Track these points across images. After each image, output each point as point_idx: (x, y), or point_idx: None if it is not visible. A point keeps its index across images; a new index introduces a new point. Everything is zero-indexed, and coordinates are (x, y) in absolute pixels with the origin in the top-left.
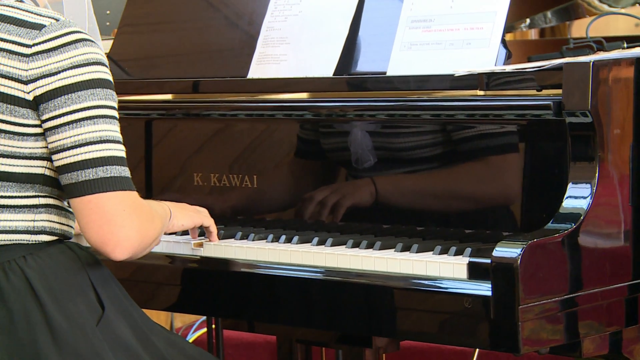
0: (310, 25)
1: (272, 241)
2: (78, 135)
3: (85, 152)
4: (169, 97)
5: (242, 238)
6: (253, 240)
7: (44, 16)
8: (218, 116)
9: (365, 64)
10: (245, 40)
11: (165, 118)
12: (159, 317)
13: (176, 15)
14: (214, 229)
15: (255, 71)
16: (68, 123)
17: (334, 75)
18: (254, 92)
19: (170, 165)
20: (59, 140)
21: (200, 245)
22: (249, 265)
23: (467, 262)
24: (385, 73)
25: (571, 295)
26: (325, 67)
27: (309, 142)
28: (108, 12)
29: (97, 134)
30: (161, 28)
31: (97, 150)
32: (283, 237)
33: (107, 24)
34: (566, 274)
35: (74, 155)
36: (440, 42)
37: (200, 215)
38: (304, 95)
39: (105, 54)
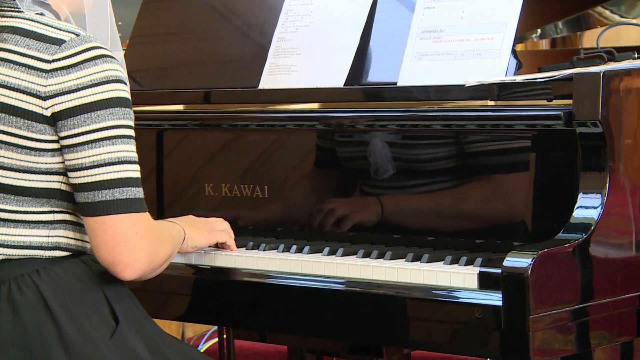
0: (321, 35)
1: (283, 251)
2: (96, 155)
3: (103, 173)
4: (180, 107)
5: (253, 248)
6: (264, 250)
7: (64, 31)
8: (229, 126)
9: (376, 75)
10: (257, 50)
11: (176, 128)
12: (171, 327)
13: (187, 26)
14: (230, 242)
15: (267, 82)
16: (87, 142)
17: (344, 85)
18: (265, 103)
19: (182, 175)
20: (77, 159)
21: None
22: (260, 275)
23: (478, 272)
24: (396, 83)
25: (582, 305)
26: (336, 77)
27: (319, 153)
28: (120, 23)
29: (115, 154)
30: (172, 39)
31: (114, 172)
32: (294, 247)
33: (119, 35)
34: (577, 283)
35: (92, 175)
36: (451, 52)
37: (213, 234)
38: (314, 106)
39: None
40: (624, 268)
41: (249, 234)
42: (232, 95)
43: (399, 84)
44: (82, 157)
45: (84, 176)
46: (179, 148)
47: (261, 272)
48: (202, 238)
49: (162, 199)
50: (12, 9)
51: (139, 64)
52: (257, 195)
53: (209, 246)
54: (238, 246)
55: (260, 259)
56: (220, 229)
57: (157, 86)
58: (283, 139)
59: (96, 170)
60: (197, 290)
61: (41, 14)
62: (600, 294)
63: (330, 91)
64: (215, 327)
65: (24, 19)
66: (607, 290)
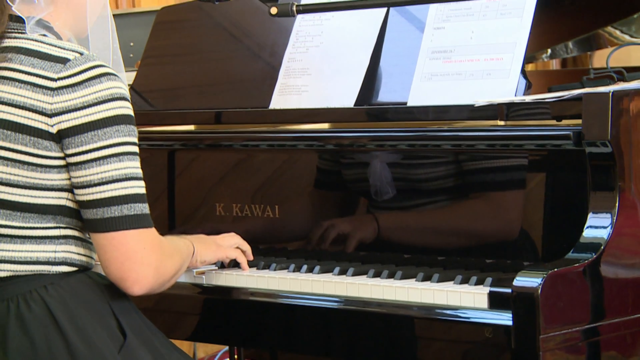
0: (331, 56)
1: (293, 271)
2: (104, 172)
3: (111, 190)
4: (191, 127)
5: (264, 268)
6: (275, 269)
7: (67, 50)
8: (240, 146)
9: (386, 95)
10: (267, 71)
11: (188, 148)
12: (182, 347)
13: (198, 46)
14: (242, 259)
15: (277, 102)
16: (94, 160)
17: (355, 105)
18: (276, 123)
19: (193, 195)
20: (85, 176)
21: (202, 273)
22: (271, 295)
23: (488, 291)
24: (406, 103)
25: (593, 325)
26: (346, 97)
27: (330, 173)
28: (132, 44)
29: (122, 171)
30: (183, 59)
31: (122, 188)
32: (305, 267)
33: (131, 55)
34: (587, 303)
35: (100, 192)
36: (461, 72)
37: (223, 250)
38: (325, 126)
39: (129, 85)
40: (635, 288)
41: (259, 253)
42: (243, 115)
43: (408, 104)
44: (90, 175)
45: (92, 193)
46: (190, 168)
47: (272, 292)
48: (211, 253)
49: (174, 219)
50: (16, 31)
51: (151, 84)
52: (267, 215)
53: (219, 262)
54: (249, 266)
55: (271, 279)
56: (230, 244)
57: (169, 106)
58: (294, 158)
59: (104, 187)
60: (208, 310)
61: (44, 35)
62: (611, 314)
63: (340, 111)
64: (227, 348)
65: (28, 39)
66: (618, 310)
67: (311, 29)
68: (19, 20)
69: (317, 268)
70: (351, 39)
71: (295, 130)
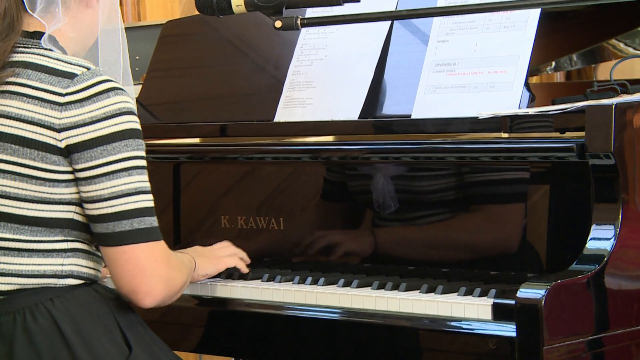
0: (335, 69)
1: (298, 283)
2: (114, 187)
3: (122, 204)
4: (196, 140)
5: (269, 280)
6: (280, 281)
7: (74, 65)
8: (245, 159)
9: (390, 107)
10: (272, 84)
11: (193, 161)
12: (188, 358)
13: (204, 60)
14: (240, 265)
15: (282, 114)
16: (104, 174)
17: (359, 118)
18: (281, 136)
19: (198, 208)
20: (95, 190)
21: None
22: (276, 307)
23: (492, 303)
24: (410, 116)
25: (597, 336)
26: (350, 110)
27: (335, 185)
28: (137, 57)
29: (132, 185)
30: (189, 73)
31: (132, 202)
32: (309, 279)
33: (137, 69)
34: (591, 314)
35: (111, 206)
36: (464, 85)
37: (222, 261)
38: (329, 138)
39: (135, 98)
40: (638, 299)
41: (264, 265)
42: (248, 128)
43: (413, 117)
44: (101, 189)
45: (102, 207)
46: (195, 181)
47: (277, 304)
48: (212, 266)
49: (179, 232)
50: (23, 45)
51: (156, 97)
52: (272, 227)
53: (219, 273)
54: (254, 278)
55: (276, 291)
56: (227, 254)
57: (174, 119)
58: (298, 171)
59: (115, 202)
60: (213, 323)
61: (50, 50)
62: (615, 325)
63: (345, 124)
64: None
65: (34, 54)
66: (622, 321)
67: (315, 42)
68: (28, 35)
69: (321, 280)
70: (355, 52)
71: (300, 143)
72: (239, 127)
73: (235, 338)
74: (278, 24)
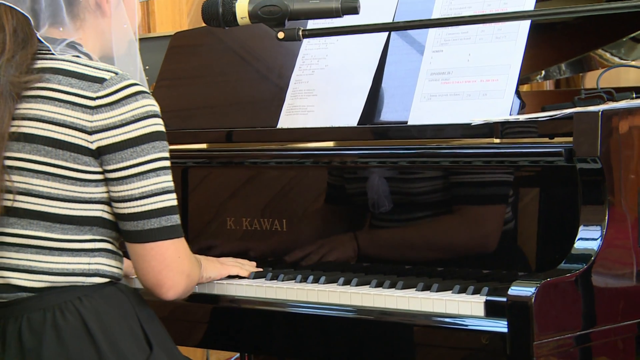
0: (335, 78)
1: (300, 281)
2: (144, 187)
3: (151, 203)
4: (203, 146)
5: (272, 278)
6: (282, 280)
7: (102, 70)
8: (250, 164)
9: (387, 114)
10: (275, 92)
11: (200, 166)
12: (195, 353)
13: (210, 69)
14: (242, 273)
15: (285, 121)
16: (134, 175)
17: (358, 124)
18: (284, 141)
19: (205, 210)
20: (126, 190)
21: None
22: (278, 304)
23: (485, 300)
24: (406, 122)
25: (584, 332)
26: (350, 117)
27: (335, 188)
28: (147, 67)
29: (160, 185)
30: (196, 82)
31: (160, 201)
32: (311, 277)
33: (147, 78)
34: (579, 311)
35: (141, 205)
36: (458, 93)
37: (225, 267)
38: (330, 144)
39: None
40: (623, 296)
41: (268, 265)
42: (252, 134)
43: (409, 123)
44: (131, 189)
45: (133, 207)
46: (202, 184)
47: (280, 301)
48: (216, 270)
49: (187, 233)
50: (49, 52)
51: (165, 105)
52: (275, 228)
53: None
54: (258, 276)
55: (278, 289)
56: (230, 262)
57: (182, 126)
58: (300, 175)
59: (145, 201)
60: (219, 319)
61: (77, 56)
62: (601, 321)
63: (344, 130)
64: (238, 354)
65: (63, 60)
66: (609, 318)
67: (316, 52)
68: (53, 42)
69: (322, 278)
70: (354, 62)
71: (302, 149)
72: (244, 133)
73: (240, 334)
74: (281, 35)
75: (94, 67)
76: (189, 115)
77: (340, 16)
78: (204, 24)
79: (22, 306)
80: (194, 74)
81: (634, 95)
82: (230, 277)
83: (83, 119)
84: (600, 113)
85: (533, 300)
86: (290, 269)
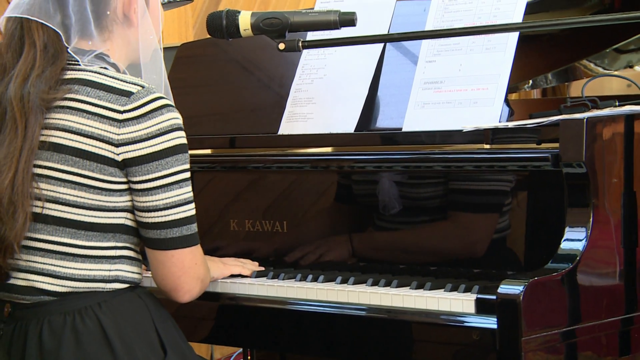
0: (334, 87)
1: (300, 280)
2: (168, 198)
3: (175, 213)
4: (208, 151)
5: (273, 277)
6: (283, 279)
7: (129, 83)
8: (252, 168)
9: (383, 121)
10: (276, 100)
11: (205, 170)
12: (200, 348)
13: (215, 78)
14: (244, 272)
15: (285, 128)
16: (160, 187)
17: (355, 131)
18: (284, 147)
19: (210, 212)
20: (151, 201)
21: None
22: (279, 302)
23: (475, 298)
24: (401, 129)
25: (570, 328)
26: (347, 124)
27: (333, 192)
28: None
29: (182, 196)
30: (201, 90)
31: (182, 212)
32: (310, 276)
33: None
34: (565, 308)
35: (165, 215)
36: (450, 101)
37: (227, 267)
38: (328, 150)
39: None
40: (607, 294)
41: (269, 264)
42: (254, 140)
43: (403, 130)
44: (156, 200)
45: (157, 216)
46: (207, 188)
47: (281, 299)
48: (218, 270)
49: None
50: (76, 63)
51: None
52: (277, 230)
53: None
54: (259, 275)
55: (279, 287)
56: (232, 262)
57: (188, 133)
58: (301, 179)
59: (169, 211)
60: (223, 316)
61: (104, 68)
62: (586, 318)
63: (342, 136)
64: (241, 350)
65: (91, 71)
66: (593, 315)
67: (316, 62)
68: (82, 53)
69: (321, 277)
70: (352, 71)
71: (302, 154)
72: (246, 140)
73: (243, 330)
74: (281, 46)
75: (121, 80)
76: (195, 123)
77: (338, 28)
78: (208, 36)
79: (44, 309)
80: (200, 83)
81: (617, 104)
82: (233, 276)
83: (110, 132)
84: (585, 120)
85: (521, 298)
86: (291, 269)
